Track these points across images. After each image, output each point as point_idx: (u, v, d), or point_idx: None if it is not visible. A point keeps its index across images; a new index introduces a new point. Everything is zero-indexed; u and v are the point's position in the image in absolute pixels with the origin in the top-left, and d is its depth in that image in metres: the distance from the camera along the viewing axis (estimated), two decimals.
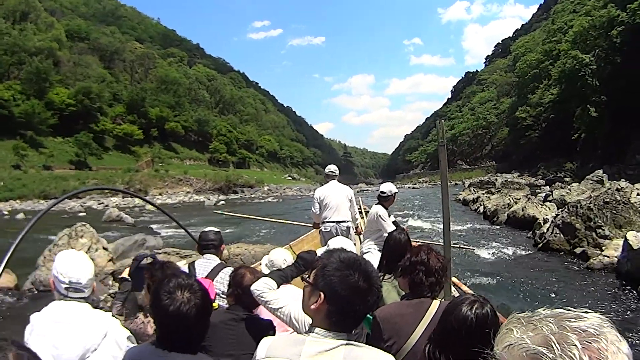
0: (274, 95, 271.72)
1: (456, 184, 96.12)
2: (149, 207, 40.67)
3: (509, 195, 26.87)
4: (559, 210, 16.53)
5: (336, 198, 7.43)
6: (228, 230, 21.10)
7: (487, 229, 21.23)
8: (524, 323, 0.68)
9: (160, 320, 2.08)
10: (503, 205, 23.95)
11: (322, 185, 7.90)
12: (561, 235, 14.02)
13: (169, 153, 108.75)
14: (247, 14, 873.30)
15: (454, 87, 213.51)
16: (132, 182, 69.45)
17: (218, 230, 4.61)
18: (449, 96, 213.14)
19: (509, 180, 47.63)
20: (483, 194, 35.29)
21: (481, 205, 28.97)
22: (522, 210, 20.08)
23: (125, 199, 51.37)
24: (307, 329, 2.12)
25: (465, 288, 5.60)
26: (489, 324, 2.09)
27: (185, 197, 65.80)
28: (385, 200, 6.71)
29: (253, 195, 76.19)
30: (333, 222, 7.32)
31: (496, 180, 51.05)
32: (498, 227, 21.29)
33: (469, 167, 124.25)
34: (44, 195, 54.72)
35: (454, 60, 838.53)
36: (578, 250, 13.09)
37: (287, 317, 2.73)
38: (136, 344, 2.61)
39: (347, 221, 7.42)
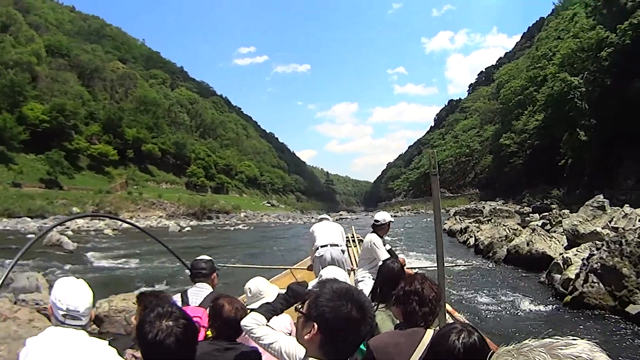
0: (256, 120, 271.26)
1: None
2: (108, 231, 40.79)
3: (503, 225, 24.25)
4: (588, 247, 12.41)
5: (328, 228, 7.66)
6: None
7: (483, 268, 17.52)
8: (515, 355, 0.90)
9: (143, 350, 2.09)
10: (499, 237, 21.40)
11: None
12: (600, 284, 10.04)
13: (145, 175, 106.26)
14: (233, 39, 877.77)
15: (437, 115, 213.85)
16: (102, 204, 67.02)
17: (210, 258, 4.64)
18: (432, 124, 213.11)
19: (498, 208, 44.09)
20: (471, 222, 32.25)
21: (471, 236, 25.97)
22: (528, 244, 16.55)
23: (92, 222, 49.02)
24: None
25: (457, 315, 5.70)
26: (477, 353, 2.08)
27: (155, 221, 63.19)
28: (379, 228, 6.83)
29: (227, 222, 73.72)
30: (326, 244, 7.32)
31: (484, 208, 48.06)
32: (496, 265, 17.96)
33: (452, 195, 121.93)
34: (7, 214, 52.00)
35: (437, 89, 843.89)
36: (632, 309, 9.06)
37: (277, 353, 2.60)
38: None
39: (341, 245, 7.45)
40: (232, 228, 56.97)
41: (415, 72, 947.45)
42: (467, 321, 3.62)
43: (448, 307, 5.49)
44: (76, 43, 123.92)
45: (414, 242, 30.46)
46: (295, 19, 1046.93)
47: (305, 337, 1.91)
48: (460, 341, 2.09)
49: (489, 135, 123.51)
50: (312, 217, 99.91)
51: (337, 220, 67.42)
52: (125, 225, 46.31)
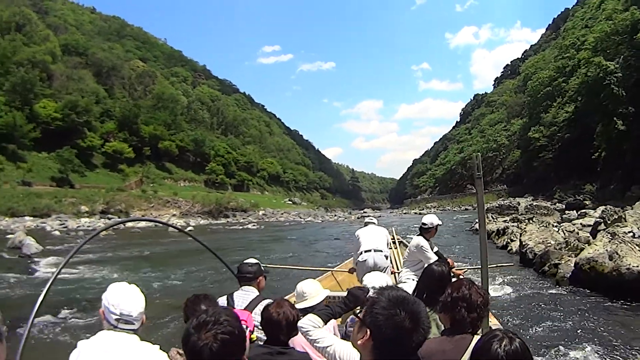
0: (280, 118, 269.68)
1: (466, 209, 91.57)
2: (102, 233, 36.62)
3: (554, 226, 20.53)
4: None
5: (372, 233, 7.74)
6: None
7: (541, 292, 12.39)
8: None
9: (188, 357, 2.05)
10: (557, 244, 16.20)
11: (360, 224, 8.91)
12: None
13: (162, 173, 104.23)
14: (257, 38, 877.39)
15: (462, 109, 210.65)
16: (112, 203, 64.77)
17: (256, 262, 4.67)
18: (458, 120, 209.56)
19: (535, 204, 39.81)
20: (508, 221, 28.78)
21: (512, 239, 21.85)
22: (612, 259, 11.09)
23: (90, 220, 47.24)
24: None
25: (495, 321, 5.61)
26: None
27: (165, 220, 60.50)
28: (426, 232, 6.89)
29: (240, 221, 70.78)
30: (369, 249, 7.41)
31: (519, 204, 43.17)
32: (558, 286, 12.67)
33: None
34: (11, 213, 50.17)
35: (462, 85, 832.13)
36: None
37: (332, 357, 2.76)
38: None
39: (384, 250, 7.50)
40: (240, 227, 53.97)
41: (440, 68, 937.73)
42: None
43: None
44: (94, 42, 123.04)
45: (446, 242, 27.12)
46: (319, 17, 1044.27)
47: (359, 341, 1.94)
48: (503, 349, 2.04)
49: (517, 129, 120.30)
50: (335, 215, 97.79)
51: (359, 218, 64.97)
52: (120, 226, 44.92)
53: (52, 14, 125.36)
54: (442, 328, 3.22)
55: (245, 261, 4.65)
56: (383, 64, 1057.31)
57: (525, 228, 20.70)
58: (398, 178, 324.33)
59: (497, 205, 45.70)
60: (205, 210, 77.04)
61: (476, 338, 2.72)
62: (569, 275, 12.82)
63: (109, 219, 55.26)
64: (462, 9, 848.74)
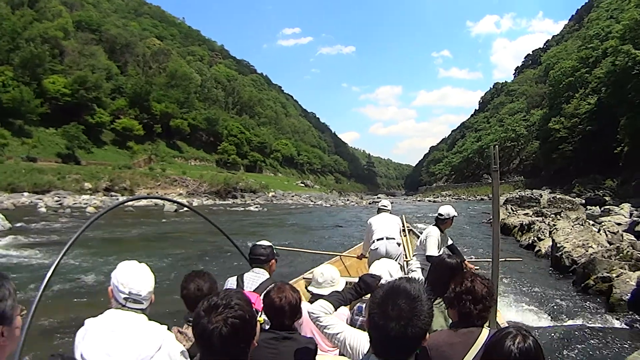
0: (297, 100, 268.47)
1: (482, 199, 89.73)
2: (90, 209, 38.11)
3: (593, 224, 17.74)
4: None
5: (385, 222, 7.71)
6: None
7: (590, 323, 8.88)
8: None
9: (196, 340, 2.06)
10: (606, 251, 12.39)
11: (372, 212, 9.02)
12: None
13: (173, 152, 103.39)
14: (278, 20, 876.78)
15: (481, 98, 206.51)
16: (117, 180, 63.79)
17: (269, 244, 4.60)
18: (477, 108, 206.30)
19: (558, 197, 35.31)
20: (530, 215, 25.84)
21: (540, 238, 18.63)
22: None
23: (89, 197, 46.35)
24: (361, 356, 2.57)
25: (504, 320, 5.50)
26: (532, 358, 2.09)
27: (187, 199, 58.86)
28: (442, 222, 6.87)
29: (249, 201, 69.31)
30: (381, 237, 7.40)
31: (541, 196, 39.02)
32: (615, 317, 9.05)
33: None
34: (11, 188, 49.39)
35: (482, 74, 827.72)
36: None
37: (341, 344, 2.83)
38: (188, 359, 2.71)
39: (396, 238, 7.51)
40: (241, 209, 52.16)
41: (460, 56, 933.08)
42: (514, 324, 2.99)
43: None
44: (109, 19, 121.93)
45: (462, 233, 25.66)
46: (341, 0, 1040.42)
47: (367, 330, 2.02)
48: (516, 346, 2.07)
49: (536, 120, 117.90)
50: (348, 200, 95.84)
51: (370, 203, 63.35)
52: (96, 204, 44.13)
53: None
54: (450, 320, 3.21)
55: (258, 243, 4.60)
56: (403, 50, 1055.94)
57: (555, 225, 18.25)
58: (414, 165, 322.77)
59: (517, 196, 41.98)
60: (212, 190, 75.91)
61: (485, 331, 2.83)
62: (627, 297, 9.30)
63: (112, 196, 54.54)
64: None
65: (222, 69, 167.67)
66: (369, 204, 75.37)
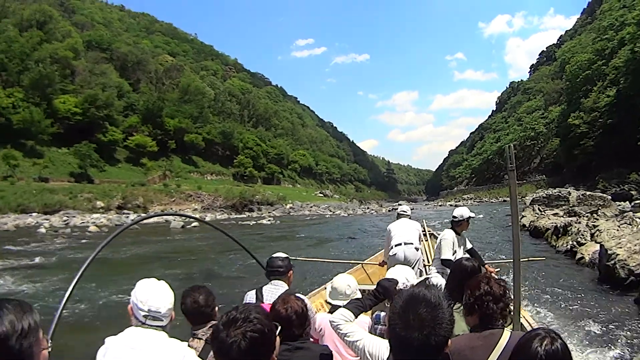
0: (313, 110, 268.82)
1: (504, 201, 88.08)
2: (93, 228, 37.23)
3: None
4: None
5: (404, 227, 7.61)
6: None
7: None
8: None
9: (215, 354, 2.01)
10: None
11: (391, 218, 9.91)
12: None
13: (188, 167, 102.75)
14: (290, 32, 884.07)
15: (498, 98, 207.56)
16: (129, 198, 62.58)
17: (286, 256, 4.58)
18: (494, 109, 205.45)
19: (588, 194, 33.29)
20: (561, 215, 24.08)
21: (581, 243, 15.83)
22: None
23: (101, 216, 45.47)
24: None
25: (532, 321, 5.41)
26: None
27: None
28: (457, 225, 6.67)
29: (263, 214, 66.82)
30: (400, 243, 7.33)
31: (569, 194, 35.04)
32: None
33: (517, 182, 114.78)
34: (20, 209, 48.42)
35: (497, 74, 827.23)
36: None
37: (361, 352, 2.75)
38: None
39: (415, 243, 7.41)
40: (252, 223, 50.09)
41: (474, 58, 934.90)
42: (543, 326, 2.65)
43: (524, 312, 5.16)
44: (121, 38, 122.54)
45: (484, 237, 24.85)
46: (352, 9, 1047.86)
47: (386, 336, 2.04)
48: (543, 348, 2.02)
49: (555, 116, 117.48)
50: (368, 208, 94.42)
51: (390, 210, 61.86)
52: (102, 223, 43.12)
53: (79, 12, 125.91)
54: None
55: (274, 255, 4.56)
56: (417, 55, 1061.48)
57: (596, 225, 16.23)
58: (434, 170, 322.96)
59: (544, 195, 37.53)
60: (228, 204, 74.51)
61: (506, 332, 2.75)
62: None
63: (126, 214, 53.40)
64: None
65: (236, 82, 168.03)
66: (389, 211, 74.17)
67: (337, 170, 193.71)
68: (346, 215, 68.05)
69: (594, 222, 17.33)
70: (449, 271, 5.76)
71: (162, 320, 2.72)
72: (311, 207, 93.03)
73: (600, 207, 24.92)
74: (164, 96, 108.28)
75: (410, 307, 1.86)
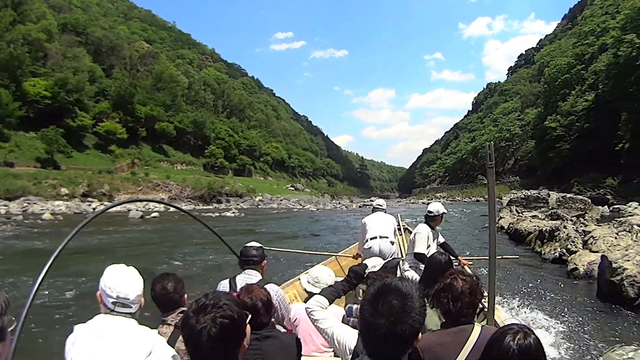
0: (288, 103, 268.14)
1: (477, 200, 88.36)
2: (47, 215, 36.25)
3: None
4: None
5: (379, 221, 7.60)
6: None
7: None
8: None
9: (185, 341, 2.03)
10: None
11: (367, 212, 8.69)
12: None
13: (158, 156, 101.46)
14: (270, 25, 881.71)
15: (475, 98, 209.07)
16: (95, 185, 61.42)
17: (260, 245, 4.61)
18: (470, 109, 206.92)
19: (569, 197, 31.95)
20: (544, 218, 22.09)
21: (572, 250, 14.25)
22: None
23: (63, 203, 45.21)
24: (348, 353, 2.63)
25: (506, 317, 5.70)
26: (532, 356, 2.05)
27: (146, 205, 56.58)
28: (432, 219, 6.87)
29: (231, 207, 64.87)
30: (375, 236, 7.31)
31: (548, 196, 33.74)
32: None
33: None
34: None
35: (474, 76, 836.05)
36: None
37: (330, 338, 2.82)
38: None
39: (390, 237, 7.39)
40: (215, 215, 47.85)
41: (453, 58, 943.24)
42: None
43: (497, 311, 5.10)
44: (98, 23, 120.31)
45: (457, 236, 23.87)
46: (333, 4, 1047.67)
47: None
48: (516, 342, 2.03)
49: (531, 118, 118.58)
50: (339, 203, 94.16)
51: (360, 207, 61.75)
52: (61, 210, 42.32)
53: None
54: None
55: (248, 244, 4.57)
56: (396, 53, 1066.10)
57: (589, 232, 14.58)
58: (408, 168, 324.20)
59: (522, 196, 36.75)
60: (196, 195, 74.04)
61: (477, 328, 2.75)
62: None
63: (89, 202, 52.63)
64: None
65: (211, 72, 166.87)
66: (359, 207, 73.92)
67: (310, 164, 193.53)
68: (315, 209, 67.65)
69: (584, 227, 16.32)
70: (421, 265, 6.34)
71: (131, 307, 2.66)
72: (281, 200, 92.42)
73: (581, 211, 25.04)
74: (137, 83, 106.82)
75: (381, 295, 1.87)
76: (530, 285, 12.03)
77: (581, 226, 16.74)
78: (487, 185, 4.60)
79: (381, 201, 8.47)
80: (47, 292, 11.24)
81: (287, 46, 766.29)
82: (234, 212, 51.26)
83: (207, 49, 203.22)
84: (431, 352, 2.66)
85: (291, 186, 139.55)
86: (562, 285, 12.03)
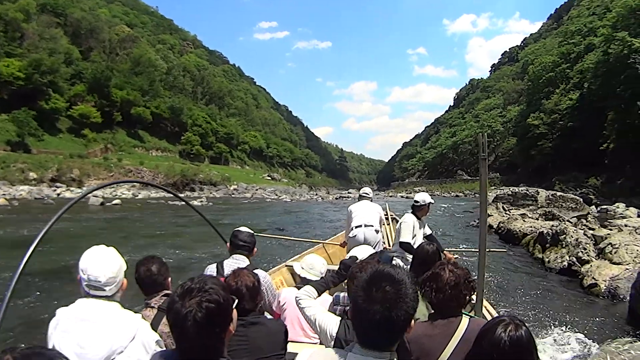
0: (269, 92, 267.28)
1: (457, 196, 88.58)
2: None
3: None
4: None
5: (365, 209, 7.60)
6: None
7: None
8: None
9: (170, 326, 1.99)
10: None
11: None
12: None
13: (133, 141, 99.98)
14: (254, 14, 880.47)
15: (457, 94, 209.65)
16: (64, 170, 60.52)
17: (251, 232, 4.59)
18: (452, 104, 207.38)
19: (559, 195, 30.16)
20: (537, 218, 20.75)
21: (587, 263, 11.63)
22: None
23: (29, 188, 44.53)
24: (329, 339, 2.63)
25: (493, 312, 5.23)
26: (524, 347, 2.09)
27: (120, 192, 55.20)
28: (419, 209, 6.84)
29: (213, 195, 65.94)
30: (360, 225, 7.34)
31: (537, 193, 31.23)
32: None
33: (469, 177, 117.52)
34: None
35: (457, 72, 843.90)
36: None
37: (312, 323, 2.85)
38: (163, 348, 2.60)
39: (375, 225, 7.39)
40: (181, 204, 45.94)
41: (436, 54, 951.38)
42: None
43: (486, 303, 5.10)
44: (77, 4, 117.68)
45: (438, 229, 22.27)
46: None
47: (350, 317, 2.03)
48: (507, 334, 2.07)
49: (513, 116, 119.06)
50: (317, 194, 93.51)
51: (337, 199, 61.02)
52: (22, 196, 41.68)
53: None
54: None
55: (241, 229, 4.55)
56: (379, 47, 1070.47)
57: (605, 238, 12.77)
58: (387, 161, 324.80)
59: (510, 193, 33.76)
60: (169, 182, 72.38)
61: (465, 320, 2.77)
62: None
63: (56, 188, 52.05)
64: None
65: (192, 58, 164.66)
66: (336, 199, 73.28)
67: (289, 154, 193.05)
68: (289, 200, 66.31)
69: (592, 231, 14.21)
70: (407, 254, 6.33)
71: (104, 290, 2.58)
72: (257, 189, 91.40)
73: (572, 210, 24.13)
74: (114, 66, 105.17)
75: (374, 282, 1.85)
76: (539, 302, 9.74)
77: (584, 229, 14.99)
78: (484, 180, 4.73)
79: (367, 189, 8.38)
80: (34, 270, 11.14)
81: (271, 36, 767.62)
82: (202, 201, 49.93)
83: (189, 35, 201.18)
84: (419, 344, 2.68)
85: (268, 176, 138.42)
86: (577, 306, 9.54)
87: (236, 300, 2.10)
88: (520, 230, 18.01)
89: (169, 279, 3.49)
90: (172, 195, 46.38)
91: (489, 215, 22.63)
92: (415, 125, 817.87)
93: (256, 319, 3.09)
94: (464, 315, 2.84)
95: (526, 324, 2.10)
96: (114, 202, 38.30)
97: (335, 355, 1.93)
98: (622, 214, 27.10)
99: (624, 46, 53.65)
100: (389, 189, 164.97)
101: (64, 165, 62.18)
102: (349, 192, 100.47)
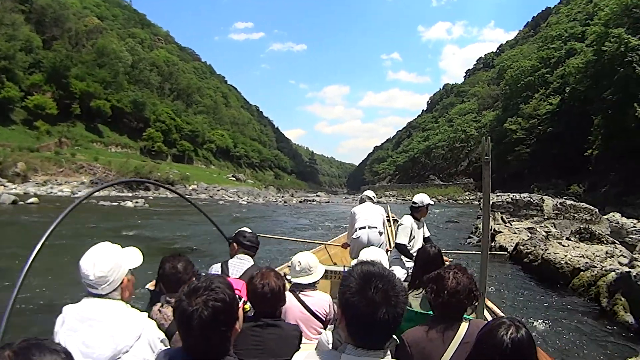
0: (240, 91, 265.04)
1: (433, 202, 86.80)
2: None
3: None
4: None
5: (368, 211, 7.54)
6: None
7: None
8: None
9: (177, 324, 2.03)
10: None
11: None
12: None
13: (91, 136, 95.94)
14: (230, 14, 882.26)
15: (430, 98, 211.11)
16: (7, 164, 56.54)
17: (256, 234, 4.63)
18: (425, 108, 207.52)
19: (569, 203, 25.08)
20: (573, 240, 14.46)
21: None
22: None
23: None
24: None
25: (498, 311, 5.27)
26: (525, 350, 2.09)
27: (68, 189, 52.56)
28: (416, 211, 6.93)
29: (166, 195, 63.28)
30: (364, 226, 7.27)
31: (543, 201, 25.73)
32: None
33: (442, 183, 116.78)
34: None
35: (430, 78, 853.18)
36: None
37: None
38: (169, 347, 2.62)
39: (378, 227, 7.32)
40: (115, 204, 42.54)
41: (410, 60, 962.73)
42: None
43: (488, 302, 5.08)
44: None
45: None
46: None
47: (340, 323, 1.97)
48: (509, 336, 2.07)
49: (488, 121, 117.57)
50: (282, 197, 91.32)
51: (301, 202, 58.94)
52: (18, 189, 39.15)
53: None
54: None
55: (244, 229, 4.61)
56: (354, 51, 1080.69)
57: None
58: (358, 164, 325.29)
59: (510, 200, 27.15)
60: (122, 180, 69.18)
61: (464, 324, 2.76)
62: None
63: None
64: (438, 4, 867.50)
65: (162, 53, 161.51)
66: (300, 202, 71.17)
67: (257, 154, 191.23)
68: (245, 203, 63.58)
69: None
70: (402, 257, 6.48)
71: (96, 288, 2.50)
72: (218, 190, 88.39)
73: (585, 222, 20.76)
74: (77, 57, 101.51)
75: (367, 284, 1.82)
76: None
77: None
78: (487, 183, 4.42)
79: (370, 192, 8.30)
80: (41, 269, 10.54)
81: (246, 36, 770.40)
82: (136, 202, 45.93)
83: (162, 31, 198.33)
84: (419, 348, 2.68)
85: (232, 176, 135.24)
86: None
87: (242, 300, 2.13)
88: (568, 263, 11.18)
89: (194, 278, 2.85)
90: (119, 194, 43.91)
91: (498, 233, 17.34)
92: (387, 130, 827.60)
93: (274, 321, 3.04)
94: (464, 319, 2.80)
95: (526, 325, 2.08)
96: (30, 200, 35.39)
97: (329, 358, 1.91)
98: (634, 227, 26.53)
99: (620, 44, 52.08)
100: (359, 192, 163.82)
101: (9, 158, 58.40)
102: (316, 195, 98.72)
